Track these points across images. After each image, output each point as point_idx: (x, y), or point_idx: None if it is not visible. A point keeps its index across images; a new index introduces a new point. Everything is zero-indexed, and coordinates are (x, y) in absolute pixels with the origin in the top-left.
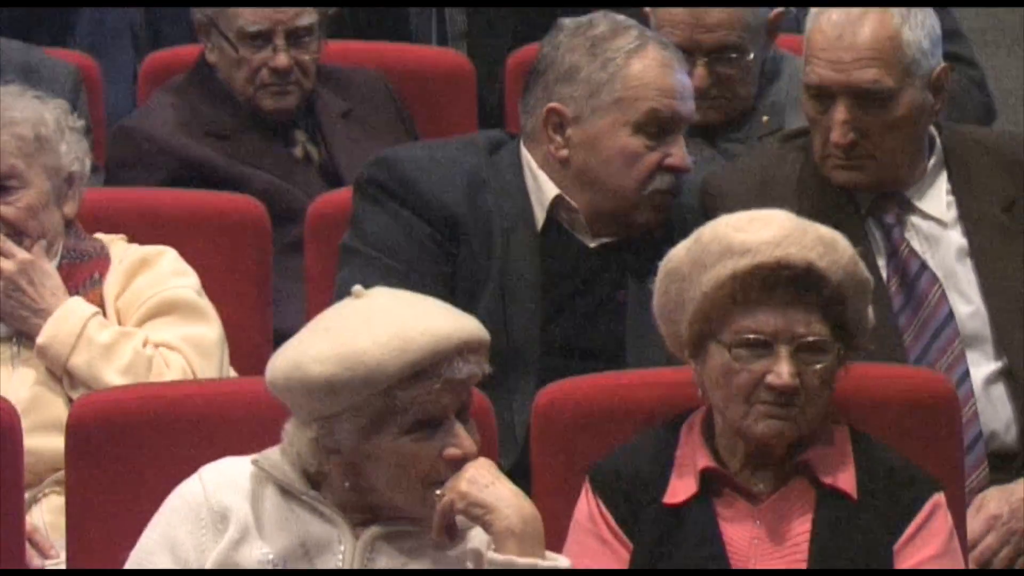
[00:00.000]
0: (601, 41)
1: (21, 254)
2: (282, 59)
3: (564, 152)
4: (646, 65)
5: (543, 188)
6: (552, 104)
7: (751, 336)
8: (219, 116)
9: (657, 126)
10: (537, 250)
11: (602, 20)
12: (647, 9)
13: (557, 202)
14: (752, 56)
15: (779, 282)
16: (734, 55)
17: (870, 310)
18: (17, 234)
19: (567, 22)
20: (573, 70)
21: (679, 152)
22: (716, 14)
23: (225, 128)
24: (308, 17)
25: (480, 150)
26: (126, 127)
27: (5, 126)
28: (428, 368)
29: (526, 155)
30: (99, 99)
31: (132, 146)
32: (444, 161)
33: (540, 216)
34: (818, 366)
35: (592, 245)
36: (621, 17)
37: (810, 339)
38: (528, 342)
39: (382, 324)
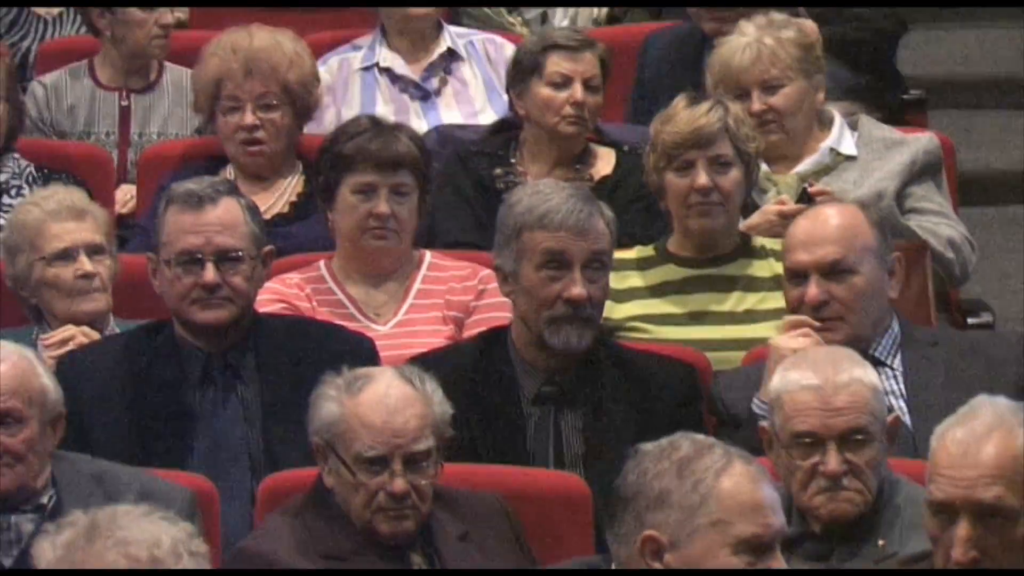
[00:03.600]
0: (687, 462)
1: None
2: (399, 484)
3: None
4: (736, 482)
5: None
6: (647, 532)
7: None
8: (336, 539)
9: (756, 545)
10: None
11: (683, 441)
12: None
13: None
14: (876, 445)
15: None
16: (861, 437)
17: None
18: None
19: (648, 447)
20: (664, 495)
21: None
22: (843, 397)
23: (342, 551)
24: (425, 442)
25: None
26: (243, 549)
27: (115, 546)
28: None
29: None
30: (216, 521)
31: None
32: None
33: None
34: None
35: None
36: (700, 436)
37: None
38: None
39: None
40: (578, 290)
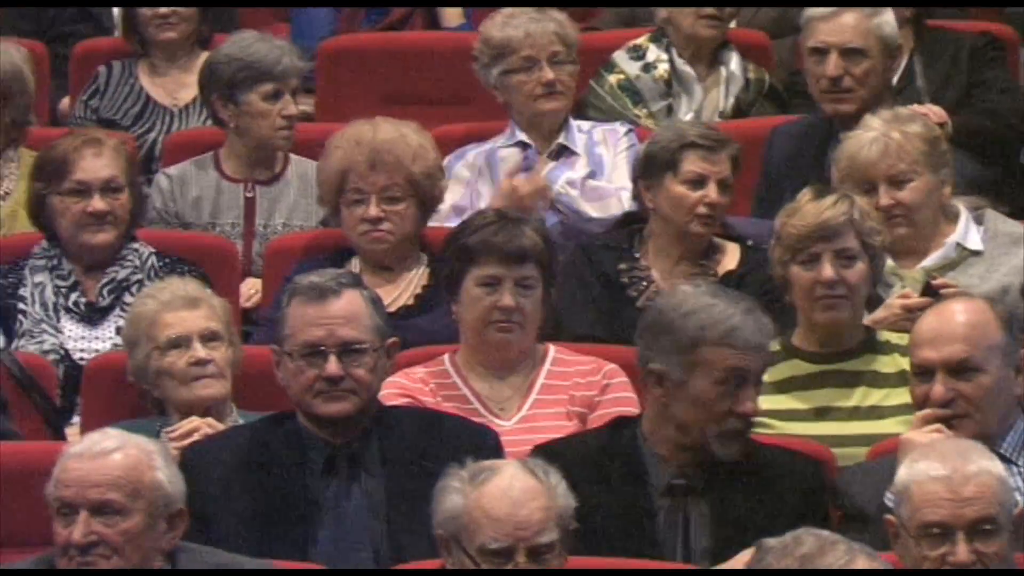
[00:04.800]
0: (811, 559)
1: None
2: None
3: None
4: None
5: None
6: None
7: None
8: None
9: None
10: None
11: (807, 537)
12: None
13: None
14: (1005, 536)
15: None
16: (989, 527)
17: None
18: None
19: (771, 543)
20: None
21: None
22: (972, 488)
23: None
24: (549, 534)
25: None
26: None
27: None
28: None
29: None
30: None
31: None
32: None
33: None
34: None
35: None
36: (824, 532)
37: None
38: None
39: None
40: (753, 406)
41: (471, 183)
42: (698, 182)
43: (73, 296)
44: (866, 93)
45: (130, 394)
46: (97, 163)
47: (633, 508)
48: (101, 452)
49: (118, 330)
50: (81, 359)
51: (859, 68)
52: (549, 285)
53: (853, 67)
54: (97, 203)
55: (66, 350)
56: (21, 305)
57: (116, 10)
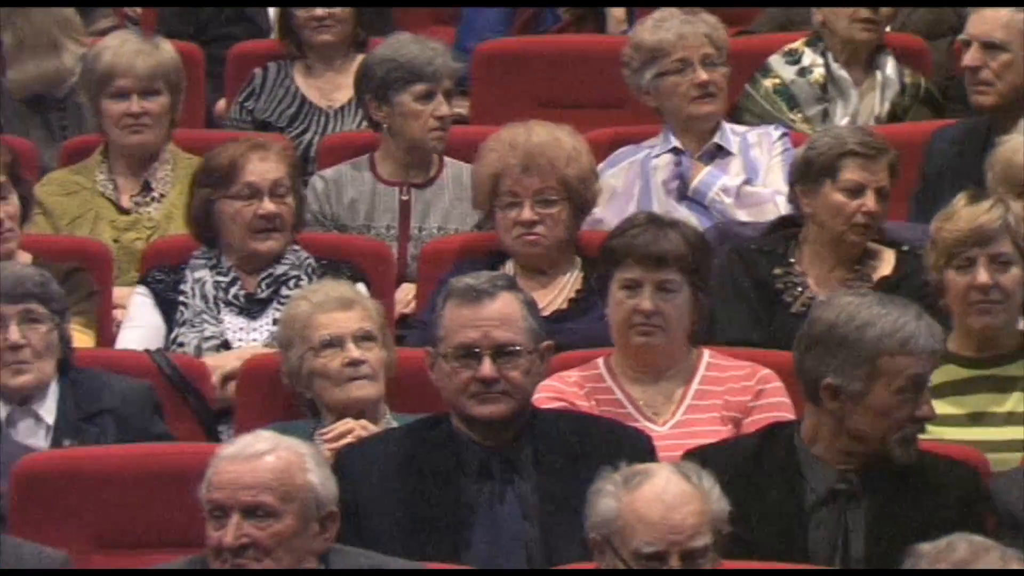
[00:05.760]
0: (964, 565)
1: None
2: None
3: None
4: None
5: None
6: None
7: None
8: None
9: None
10: None
11: (960, 543)
12: None
13: None
14: None
15: None
16: None
17: None
18: None
19: (925, 548)
20: None
21: None
22: None
23: None
24: (703, 538)
25: None
26: None
27: None
28: None
29: None
30: None
31: None
32: None
33: None
34: None
35: None
36: (978, 538)
37: None
38: None
39: None
40: (931, 409)
41: (617, 193)
42: (856, 191)
43: (232, 289)
44: (1004, 87)
45: (284, 396)
46: (264, 166)
47: (788, 513)
48: (254, 454)
49: (275, 321)
50: (240, 348)
51: (997, 61)
52: (698, 290)
53: (991, 60)
54: (268, 205)
55: (226, 340)
56: (182, 299)
57: (272, 12)
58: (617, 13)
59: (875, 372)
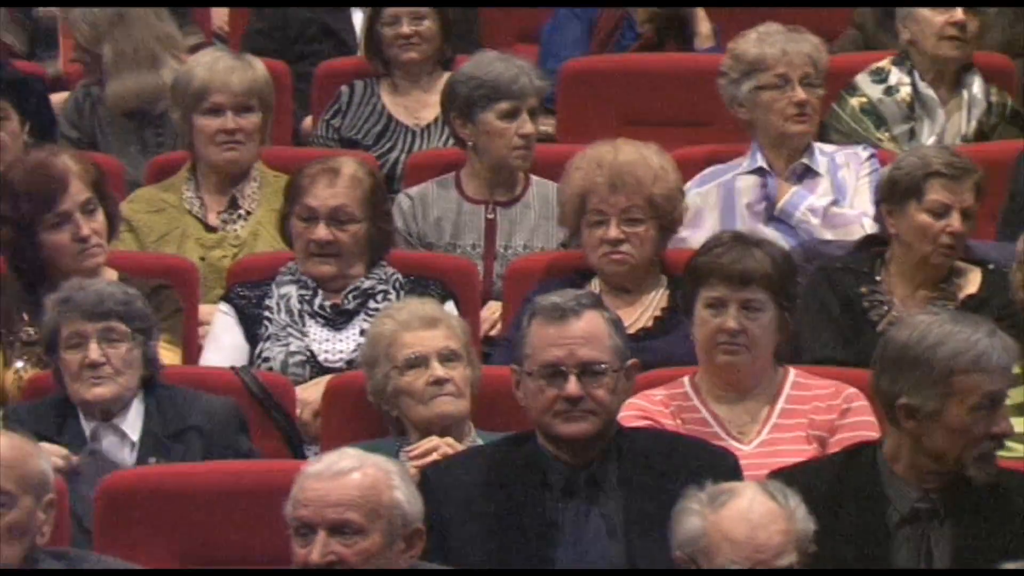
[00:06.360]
0: None
1: None
2: None
3: None
4: None
5: None
6: None
7: None
8: None
9: None
10: None
11: None
12: None
13: None
14: None
15: None
16: None
17: None
18: None
19: (1009, 566)
20: None
21: None
22: None
23: None
24: (788, 557)
25: None
26: None
27: None
28: None
29: None
30: None
31: None
32: None
33: None
34: None
35: None
36: None
37: None
38: None
39: None
40: (1008, 425)
41: (703, 213)
42: (942, 211)
43: (318, 300)
44: None
45: (370, 414)
46: (328, 192)
47: (871, 533)
48: (340, 472)
49: (362, 332)
50: (326, 360)
51: None
52: (784, 309)
53: None
54: (320, 231)
55: (312, 352)
56: (266, 314)
57: (359, 29)
58: (703, 29)
59: (949, 390)
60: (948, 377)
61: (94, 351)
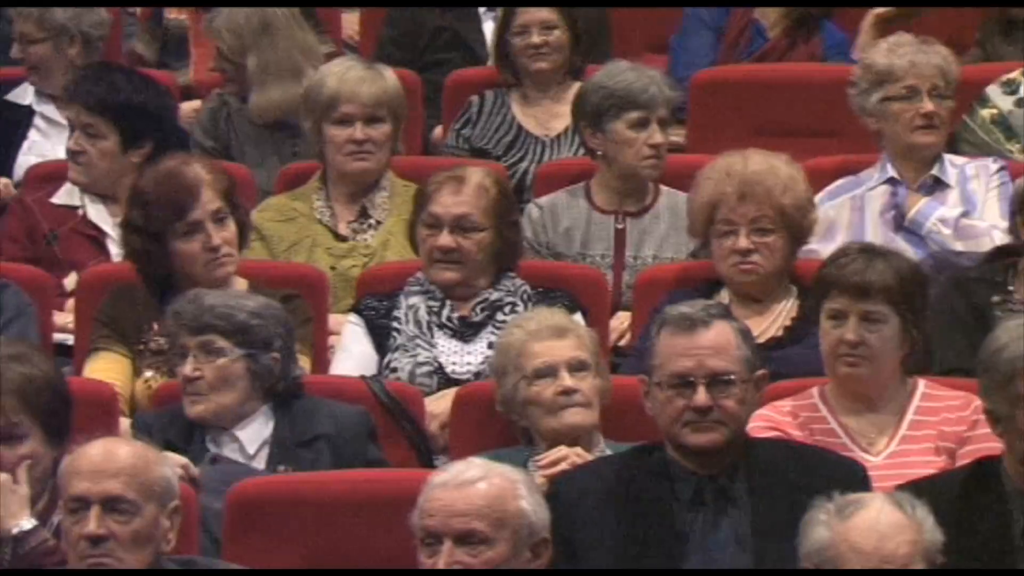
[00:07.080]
0: None
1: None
2: None
3: None
4: None
5: None
6: None
7: None
8: None
9: None
10: None
11: None
12: None
13: None
14: None
15: None
16: None
17: None
18: None
19: None
20: None
21: None
22: None
23: None
24: (915, 568)
25: None
26: None
27: None
28: None
29: None
30: None
31: None
32: None
33: None
34: None
35: None
36: None
37: None
38: None
39: None
40: None
41: (834, 225)
42: None
43: (446, 311)
44: None
45: (498, 424)
46: (453, 199)
47: (997, 547)
48: (466, 481)
49: (490, 345)
50: (454, 372)
51: None
52: (909, 320)
53: None
54: (444, 239)
55: (439, 363)
56: (395, 324)
57: (489, 39)
58: None
59: (1015, 394)
60: (1011, 381)
61: (189, 365)
